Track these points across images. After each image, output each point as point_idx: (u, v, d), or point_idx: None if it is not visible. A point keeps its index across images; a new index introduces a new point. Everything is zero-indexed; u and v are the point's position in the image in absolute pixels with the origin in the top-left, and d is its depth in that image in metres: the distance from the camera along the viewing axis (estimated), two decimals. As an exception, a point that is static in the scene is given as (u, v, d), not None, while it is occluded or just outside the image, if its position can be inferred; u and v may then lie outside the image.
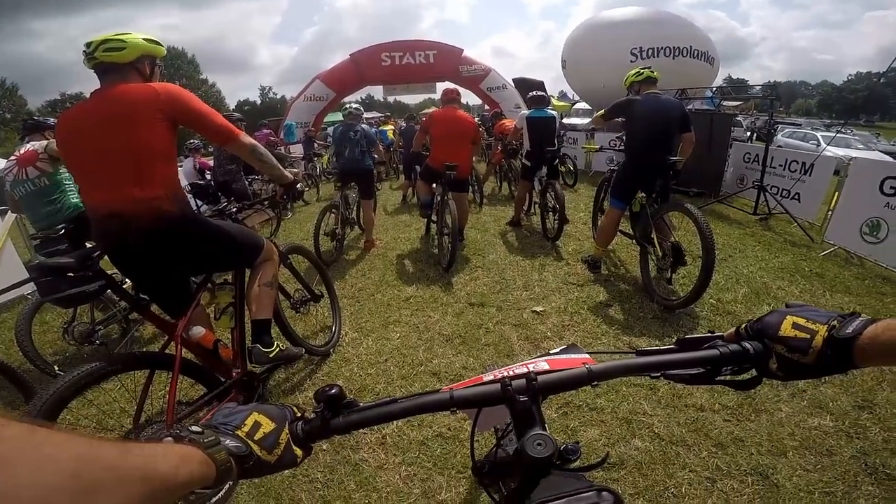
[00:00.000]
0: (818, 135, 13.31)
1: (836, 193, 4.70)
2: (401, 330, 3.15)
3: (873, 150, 12.67)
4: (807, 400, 2.22)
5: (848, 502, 1.67)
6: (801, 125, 17.95)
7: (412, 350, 2.86)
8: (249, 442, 0.52)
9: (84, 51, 1.71)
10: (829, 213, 4.75)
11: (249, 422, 0.55)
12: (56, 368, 2.72)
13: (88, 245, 3.03)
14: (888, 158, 8.54)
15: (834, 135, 8.34)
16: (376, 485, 1.85)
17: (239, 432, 0.53)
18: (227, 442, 0.50)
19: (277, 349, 2.09)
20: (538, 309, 3.34)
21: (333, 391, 0.59)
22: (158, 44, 1.84)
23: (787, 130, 14.61)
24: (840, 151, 8.37)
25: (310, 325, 3.21)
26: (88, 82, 1.76)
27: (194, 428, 0.50)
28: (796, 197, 5.69)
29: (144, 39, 1.77)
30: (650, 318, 3.15)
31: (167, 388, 1.67)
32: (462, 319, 3.25)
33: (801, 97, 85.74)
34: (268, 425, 0.55)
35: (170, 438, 0.48)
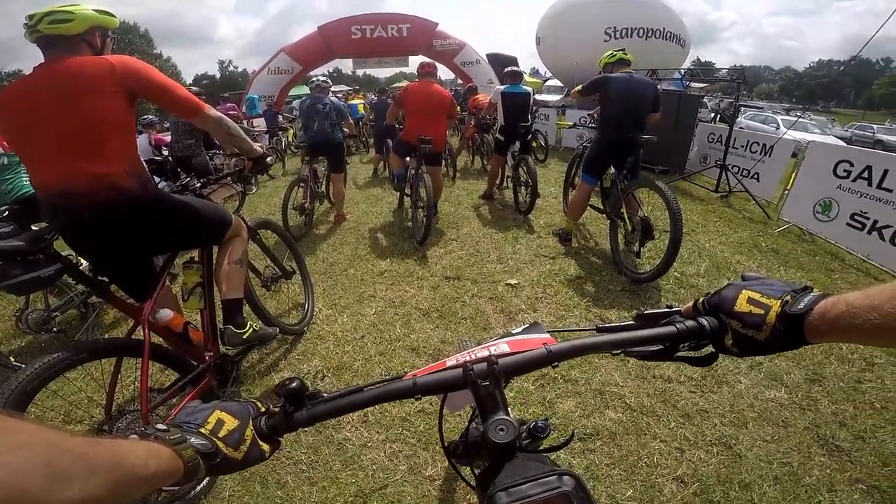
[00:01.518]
0: (778, 118, 13.85)
1: (794, 174, 4.92)
2: (376, 305, 3.12)
3: (828, 134, 13.33)
4: (763, 372, 2.35)
5: (804, 472, 1.77)
6: (762, 108, 18.62)
7: (389, 325, 2.85)
8: (214, 439, 0.52)
9: (26, 24, 1.57)
10: (786, 192, 4.98)
11: (212, 419, 0.54)
12: (12, 359, 2.55)
13: (35, 228, 2.84)
14: (841, 143, 9.00)
15: (795, 119, 8.71)
16: (362, 463, 1.85)
17: (202, 430, 0.52)
18: (193, 440, 0.50)
19: (251, 329, 2.03)
20: (512, 282, 3.39)
21: (294, 385, 0.59)
22: (110, 14, 1.71)
23: (748, 113, 15.13)
24: (798, 135, 8.76)
25: (282, 303, 3.13)
26: (27, 59, 1.63)
27: (160, 426, 0.49)
28: (755, 176, 5.96)
29: (95, 10, 1.64)
30: (619, 291, 3.25)
31: (137, 376, 1.60)
32: (438, 293, 3.25)
33: (764, 82, 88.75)
34: (231, 422, 0.55)
35: (135, 437, 0.47)
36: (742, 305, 0.58)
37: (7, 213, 2.64)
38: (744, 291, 0.59)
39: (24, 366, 1.77)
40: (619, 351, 0.63)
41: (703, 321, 0.61)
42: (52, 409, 2.04)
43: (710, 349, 0.63)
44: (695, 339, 0.62)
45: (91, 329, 2.92)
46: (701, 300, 0.64)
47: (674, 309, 0.67)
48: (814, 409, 2.12)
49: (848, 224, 4.11)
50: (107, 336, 2.98)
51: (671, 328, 0.62)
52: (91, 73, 1.55)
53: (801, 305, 0.52)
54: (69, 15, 1.57)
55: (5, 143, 2.77)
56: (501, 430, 0.53)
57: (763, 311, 0.55)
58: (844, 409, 2.11)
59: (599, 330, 0.67)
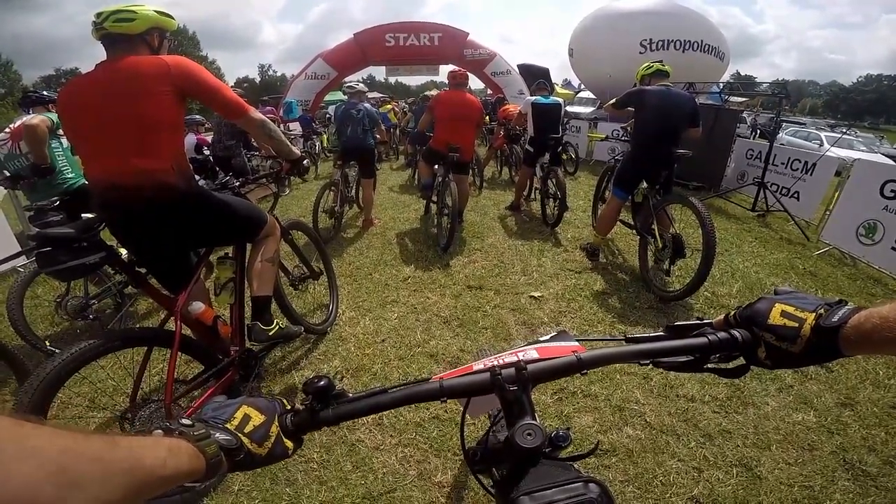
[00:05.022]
0: (822, 135, 13.28)
1: (836, 194, 4.72)
2: (398, 310, 3.15)
3: (875, 152, 12.68)
4: (793, 395, 2.27)
5: (825, 497, 1.72)
6: (805, 124, 17.89)
7: (410, 331, 2.88)
8: (239, 435, 0.52)
9: (94, 21, 1.67)
10: (828, 213, 4.77)
11: (239, 415, 0.55)
12: (47, 344, 2.66)
13: (85, 217, 3.01)
14: (890, 161, 8.55)
15: (839, 136, 8.31)
16: (372, 465, 1.87)
17: (228, 425, 0.53)
18: (217, 435, 0.50)
19: (277, 327, 2.09)
20: (536, 294, 3.36)
21: (322, 383, 0.59)
22: (169, 17, 1.81)
23: (790, 129, 14.56)
24: (842, 152, 8.37)
25: (307, 302, 3.21)
26: (86, 59, 1.76)
27: (184, 421, 0.50)
28: (795, 195, 5.73)
29: (156, 11, 1.74)
30: (646, 308, 3.18)
31: (163, 366, 1.66)
32: (460, 302, 3.26)
33: (808, 96, 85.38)
34: (257, 418, 0.55)
35: (159, 431, 0.48)
36: (776, 318, 0.58)
37: (58, 203, 2.81)
38: (777, 305, 0.59)
39: (58, 350, 1.85)
40: (649, 361, 0.63)
41: (736, 333, 0.62)
42: (80, 395, 2.12)
43: (740, 361, 0.63)
44: (726, 351, 0.62)
45: (124, 318, 3.05)
46: (732, 313, 0.65)
47: (704, 321, 0.67)
48: (843, 433, 2.05)
49: (893, 248, 3.90)
50: (139, 326, 3.11)
51: (703, 339, 0.62)
52: (148, 72, 1.63)
53: (836, 318, 0.52)
54: (132, 14, 1.67)
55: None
56: (529, 434, 0.53)
57: (797, 325, 0.56)
58: (875, 435, 2.04)
59: (628, 340, 0.67)
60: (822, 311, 0.55)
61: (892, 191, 4.04)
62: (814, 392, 2.29)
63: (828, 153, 5.60)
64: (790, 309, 0.58)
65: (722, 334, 0.62)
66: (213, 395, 1.82)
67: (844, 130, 10.07)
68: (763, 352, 0.60)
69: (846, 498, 1.72)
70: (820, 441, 1.99)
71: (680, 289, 3.15)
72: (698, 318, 0.68)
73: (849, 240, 4.33)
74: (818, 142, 12.41)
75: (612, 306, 3.22)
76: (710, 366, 0.64)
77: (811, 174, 5.55)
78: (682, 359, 0.64)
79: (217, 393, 1.85)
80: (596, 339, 0.88)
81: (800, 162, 5.77)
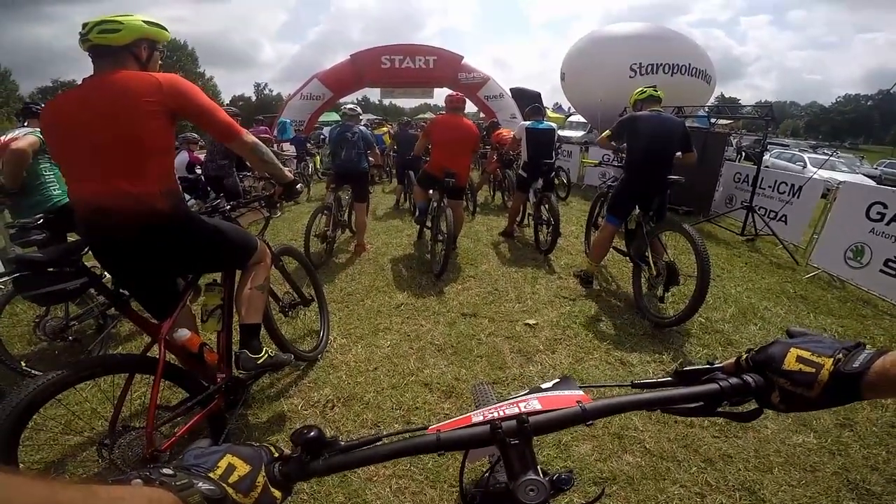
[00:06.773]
0: (805, 156, 13.60)
1: (822, 217, 4.79)
2: (391, 338, 3.10)
3: (857, 172, 12.99)
4: (791, 418, 2.26)
5: None
6: (788, 146, 18.32)
7: (403, 359, 2.82)
8: (223, 485, 0.50)
9: (80, 32, 1.61)
10: (815, 236, 4.83)
11: (223, 464, 0.52)
12: (23, 364, 2.56)
13: (69, 237, 2.94)
14: (870, 182, 8.70)
15: (826, 158, 8.48)
16: (366, 498, 1.80)
17: (212, 475, 0.50)
18: (200, 485, 0.48)
19: (266, 355, 2.02)
20: (531, 322, 3.33)
21: (312, 434, 0.57)
22: (161, 27, 1.73)
23: (775, 151, 14.91)
24: (825, 174, 8.54)
25: (297, 328, 3.15)
26: (85, 70, 1.65)
27: (165, 470, 0.47)
28: (783, 219, 5.80)
29: (145, 22, 1.67)
30: (641, 335, 3.16)
31: (146, 390, 1.60)
32: (454, 329, 3.22)
33: (789, 117, 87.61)
34: (242, 468, 0.53)
35: (139, 481, 0.45)
36: (791, 364, 0.56)
37: (42, 220, 2.73)
38: (792, 349, 0.58)
39: (35, 372, 1.72)
40: (657, 408, 0.62)
41: (749, 378, 0.60)
42: (54, 419, 2.04)
43: (752, 405, 0.62)
44: (738, 397, 0.61)
45: (105, 341, 2.95)
46: (744, 357, 0.63)
47: (714, 365, 0.66)
48: (844, 453, 2.05)
49: (881, 271, 3.95)
50: (120, 349, 3.02)
51: (714, 386, 0.60)
52: (137, 89, 1.55)
53: (857, 364, 0.51)
54: (118, 25, 1.59)
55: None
56: (532, 490, 0.52)
57: (814, 370, 0.54)
58: (877, 454, 2.05)
59: (635, 386, 0.66)
60: (840, 355, 0.54)
61: (877, 213, 4.11)
62: (812, 414, 2.28)
63: (814, 176, 5.68)
64: (806, 354, 0.56)
65: (734, 380, 0.61)
66: (198, 422, 1.76)
67: (829, 153, 10.29)
68: (777, 396, 0.58)
69: (851, 517, 1.72)
70: (822, 462, 2.00)
71: (675, 315, 3.14)
72: (709, 362, 0.67)
73: (837, 263, 4.38)
74: (802, 163, 12.72)
75: (607, 334, 3.19)
76: (721, 410, 0.62)
77: (798, 197, 5.63)
78: (692, 405, 0.62)
79: (202, 421, 1.79)
80: (600, 386, 0.87)
81: (787, 185, 5.86)
